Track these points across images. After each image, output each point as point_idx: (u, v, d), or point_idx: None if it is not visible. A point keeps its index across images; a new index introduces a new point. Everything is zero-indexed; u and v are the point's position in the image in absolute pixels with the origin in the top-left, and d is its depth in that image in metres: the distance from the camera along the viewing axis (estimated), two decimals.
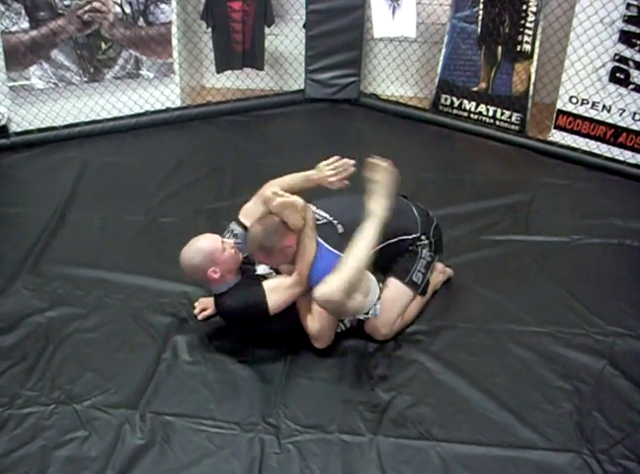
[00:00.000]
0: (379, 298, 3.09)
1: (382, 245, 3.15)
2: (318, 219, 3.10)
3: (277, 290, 2.99)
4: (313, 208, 3.16)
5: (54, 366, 3.01)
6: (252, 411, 2.83)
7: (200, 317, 3.25)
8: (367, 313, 3.06)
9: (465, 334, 3.24)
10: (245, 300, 2.99)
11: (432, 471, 2.60)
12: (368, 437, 2.72)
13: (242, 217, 3.21)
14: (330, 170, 3.15)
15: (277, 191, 2.98)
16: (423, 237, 3.26)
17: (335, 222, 3.11)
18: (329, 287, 2.82)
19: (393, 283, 3.21)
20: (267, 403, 2.86)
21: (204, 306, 3.25)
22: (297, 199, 2.98)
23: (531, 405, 2.87)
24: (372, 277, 3.08)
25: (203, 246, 2.97)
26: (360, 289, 2.94)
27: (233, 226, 3.20)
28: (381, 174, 3.01)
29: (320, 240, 3.02)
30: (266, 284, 3.00)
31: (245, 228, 3.16)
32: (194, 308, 3.29)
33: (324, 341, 3.07)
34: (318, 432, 2.74)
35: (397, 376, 3.00)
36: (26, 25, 4.64)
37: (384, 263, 3.24)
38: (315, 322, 3.01)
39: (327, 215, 3.14)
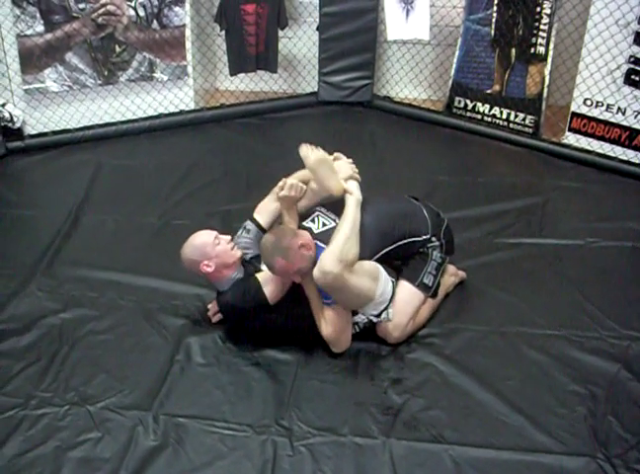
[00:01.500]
0: (392, 300, 3.09)
1: (393, 247, 3.15)
2: (325, 224, 3.11)
3: (272, 280, 3.03)
4: (324, 211, 3.18)
5: (68, 368, 3.03)
6: (265, 413, 2.83)
7: (213, 320, 3.25)
8: (380, 316, 3.07)
9: (479, 337, 3.23)
10: (243, 294, 3.05)
11: None
12: (381, 440, 2.71)
13: (256, 214, 3.29)
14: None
15: (309, 146, 3.01)
16: (433, 239, 3.25)
17: None
18: (322, 260, 2.85)
19: (404, 286, 3.20)
20: (279, 405, 2.86)
21: (218, 309, 3.26)
22: (329, 158, 3.02)
23: (545, 409, 2.86)
24: (383, 271, 3.08)
25: (195, 240, 3.10)
26: (364, 271, 2.97)
27: (247, 223, 3.28)
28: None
29: (321, 244, 3.01)
30: (260, 276, 3.06)
31: (258, 225, 3.25)
32: (207, 310, 3.30)
33: (341, 345, 3.07)
34: (331, 434, 2.74)
35: (410, 379, 3.00)
36: (41, 28, 4.66)
37: (395, 264, 3.24)
38: (329, 326, 3.01)
39: (336, 219, 3.13)
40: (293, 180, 3.08)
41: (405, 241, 3.19)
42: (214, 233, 3.11)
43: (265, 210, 3.29)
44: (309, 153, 3.03)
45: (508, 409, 2.85)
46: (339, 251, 2.87)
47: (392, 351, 3.13)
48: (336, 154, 3.25)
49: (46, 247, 3.79)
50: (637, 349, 3.15)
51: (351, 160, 3.25)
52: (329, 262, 2.84)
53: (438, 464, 2.63)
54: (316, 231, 3.09)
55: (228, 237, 3.14)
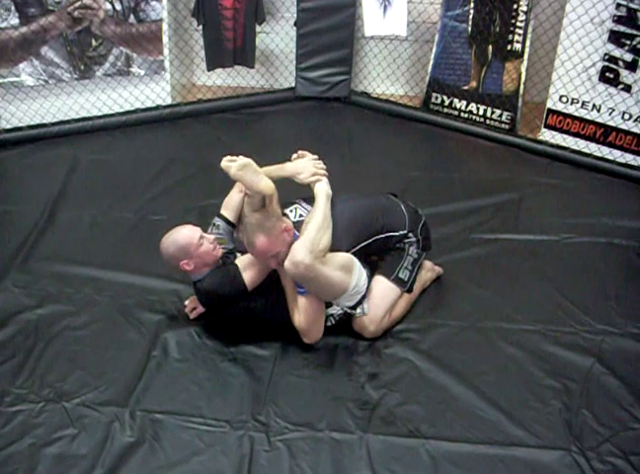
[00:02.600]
0: (366, 296, 3.11)
1: (370, 241, 3.18)
2: (302, 215, 3.14)
3: (250, 266, 3.04)
4: (304, 204, 3.21)
5: (44, 364, 3.01)
6: (242, 409, 2.83)
7: (191, 316, 3.24)
8: (355, 309, 3.08)
9: (455, 332, 3.25)
10: (221, 279, 3.05)
11: (421, 469, 2.61)
12: (358, 435, 2.73)
13: (223, 210, 3.30)
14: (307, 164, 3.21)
15: (229, 157, 3.07)
16: (410, 234, 3.27)
17: None
18: (293, 251, 2.88)
19: (380, 281, 3.21)
20: (256, 401, 2.87)
21: (196, 304, 3.25)
22: (251, 161, 3.07)
23: (520, 403, 2.88)
24: (357, 262, 3.09)
25: (179, 238, 3.05)
26: (337, 262, 2.99)
27: (215, 219, 3.29)
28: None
29: (297, 233, 3.04)
30: (239, 261, 3.07)
31: (226, 220, 3.26)
32: (184, 306, 3.29)
33: (312, 335, 3.07)
34: (308, 429, 2.75)
35: (387, 374, 3.01)
36: (15, 21, 4.61)
37: (371, 259, 3.26)
38: (301, 315, 3.02)
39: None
40: (239, 160, 3.09)
41: (382, 236, 3.21)
42: (199, 232, 3.06)
43: (230, 205, 3.30)
44: (229, 165, 3.05)
45: (484, 403, 2.87)
46: (310, 242, 2.90)
47: (369, 346, 3.15)
48: (300, 152, 3.29)
49: (22, 242, 3.76)
50: (611, 343, 3.19)
51: (316, 157, 3.27)
52: (300, 252, 2.87)
53: (414, 458, 2.65)
54: (293, 220, 3.13)
55: (212, 237, 3.11)
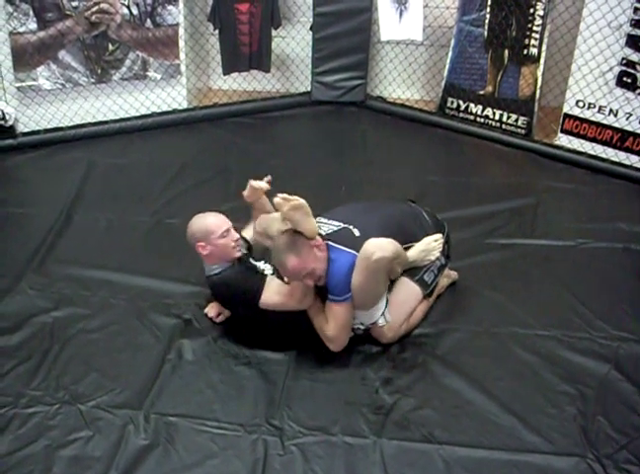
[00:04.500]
0: (387, 303, 3.11)
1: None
2: (332, 228, 3.10)
3: (275, 291, 3.02)
4: (324, 220, 3.16)
5: (59, 366, 3.02)
6: (256, 412, 2.83)
7: (217, 320, 3.25)
8: (378, 321, 3.09)
9: (470, 337, 3.23)
10: (244, 281, 3.05)
11: None
12: (372, 440, 2.72)
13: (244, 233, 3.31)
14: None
15: (285, 196, 2.94)
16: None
17: (351, 227, 3.08)
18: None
19: (403, 282, 3.20)
20: (270, 404, 2.86)
21: (220, 309, 3.26)
22: (304, 204, 2.94)
23: (535, 409, 2.86)
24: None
25: (207, 221, 3.07)
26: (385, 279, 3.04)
27: None
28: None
29: (334, 244, 3.01)
30: (270, 280, 3.05)
31: (244, 239, 3.25)
32: (200, 308, 3.30)
33: (340, 343, 3.05)
34: (322, 433, 2.74)
35: (401, 379, 3.00)
36: (33, 26, 4.65)
37: None
38: (331, 322, 3.00)
39: (341, 223, 3.12)
40: (294, 201, 2.95)
41: (409, 244, 3.19)
42: (228, 225, 3.07)
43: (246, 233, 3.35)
44: (282, 203, 2.92)
45: (498, 409, 2.85)
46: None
47: (383, 350, 3.14)
48: (437, 236, 3.28)
49: (38, 245, 3.78)
50: (627, 349, 3.16)
51: (439, 237, 3.28)
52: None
53: (428, 464, 2.64)
54: (324, 234, 3.06)
55: (237, 236, 3.11)
